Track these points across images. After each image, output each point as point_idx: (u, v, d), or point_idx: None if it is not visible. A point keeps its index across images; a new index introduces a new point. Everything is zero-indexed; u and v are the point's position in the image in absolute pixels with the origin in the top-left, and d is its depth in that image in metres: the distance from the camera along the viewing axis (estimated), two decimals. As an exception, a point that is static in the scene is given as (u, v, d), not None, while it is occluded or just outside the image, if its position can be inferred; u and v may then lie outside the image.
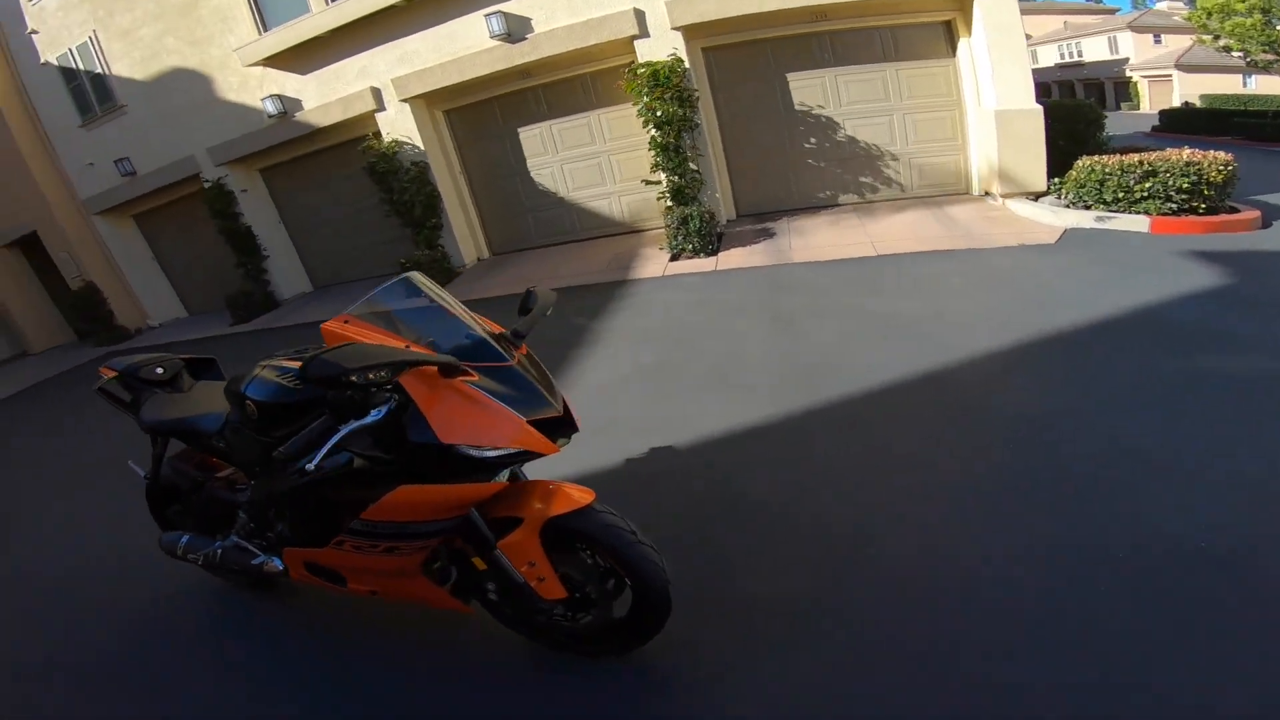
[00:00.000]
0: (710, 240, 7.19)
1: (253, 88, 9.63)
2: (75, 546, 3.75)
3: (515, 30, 7.98)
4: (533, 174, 9.36)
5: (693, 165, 7.68)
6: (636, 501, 2.89)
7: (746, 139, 8.38)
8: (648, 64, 7.33)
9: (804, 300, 5.37)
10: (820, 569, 2.38)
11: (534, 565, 1.93)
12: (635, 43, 7.69)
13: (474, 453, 1.76)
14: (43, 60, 10.99)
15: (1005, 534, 2.39)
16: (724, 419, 3.60)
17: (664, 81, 7.22)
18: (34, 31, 10.93)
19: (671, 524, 2.74)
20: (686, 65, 7.51)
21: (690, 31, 7.63)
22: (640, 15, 7.58)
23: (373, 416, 1.72)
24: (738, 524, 2.71)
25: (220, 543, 2.45)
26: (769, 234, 7.51)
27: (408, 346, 1.86)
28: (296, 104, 9.52)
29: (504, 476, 2.01)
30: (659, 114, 7.27)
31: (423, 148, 9.10)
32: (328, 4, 8.50)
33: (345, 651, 2.44)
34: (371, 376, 1.63)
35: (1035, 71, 8.09)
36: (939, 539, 2.43)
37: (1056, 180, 6.91)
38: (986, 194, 7.72)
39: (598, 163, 8.99)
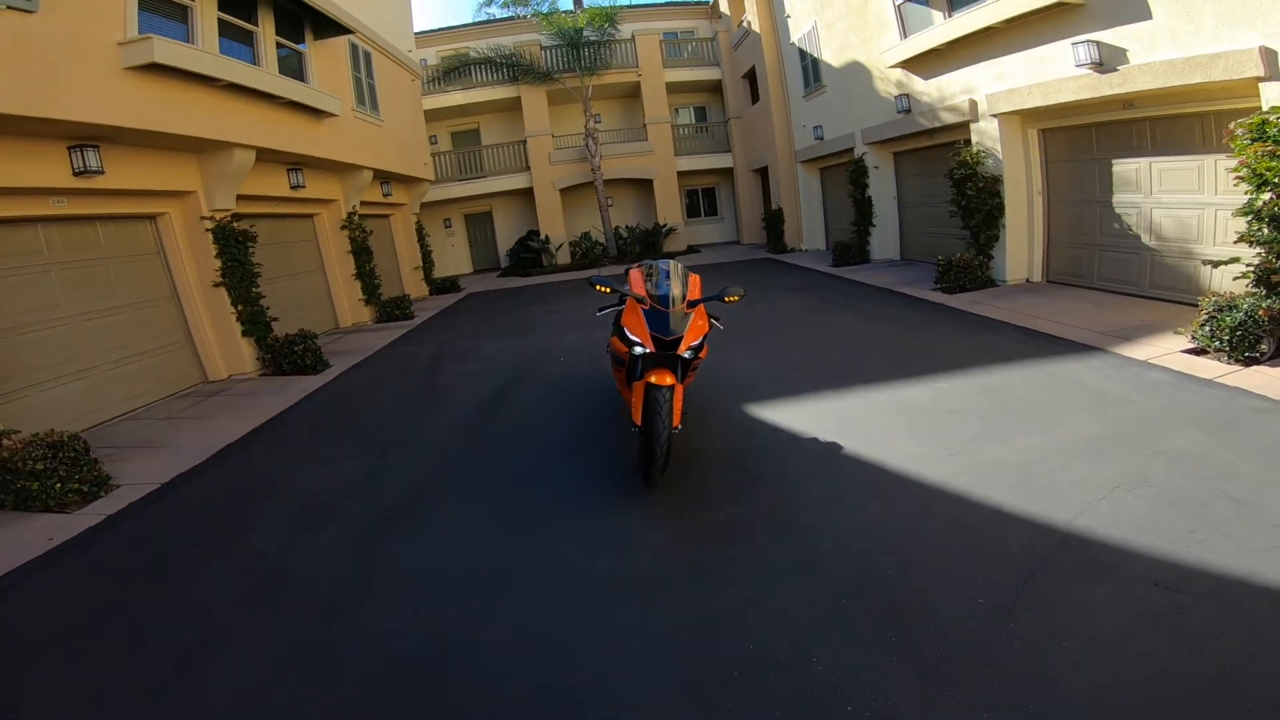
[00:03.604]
0: (1246, 345, 5.10)
1: (891, 84, 10.98)
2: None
3: (1107, 60, 6.65)
4: (1116, 208, 7.84)
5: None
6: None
7: None
8: (1275, 109, 5.20)
9: None
10: None
11: (636, 399, 3.71)
12: (1261, 86, 5.41)
13: (627, 332, 3.77)
14: (791, 40, 14.92)
15: None
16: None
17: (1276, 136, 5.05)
18: (788, 16, 14.84)
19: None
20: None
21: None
22: (1271, 55, 5.22)
23: (620, 305, 4.33)
24: None
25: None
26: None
27: (644, 283, 3.99)
28: (918, 104, 10.43)
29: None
30: (1267, 174, 5.18)
31: (1002, 160, 8.84)
32: (945, 19, 8.84)
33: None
34: (609, 290, 3.95)
35: None
36: None
37: None
38: None
39: (1199, 215, 6.85)
